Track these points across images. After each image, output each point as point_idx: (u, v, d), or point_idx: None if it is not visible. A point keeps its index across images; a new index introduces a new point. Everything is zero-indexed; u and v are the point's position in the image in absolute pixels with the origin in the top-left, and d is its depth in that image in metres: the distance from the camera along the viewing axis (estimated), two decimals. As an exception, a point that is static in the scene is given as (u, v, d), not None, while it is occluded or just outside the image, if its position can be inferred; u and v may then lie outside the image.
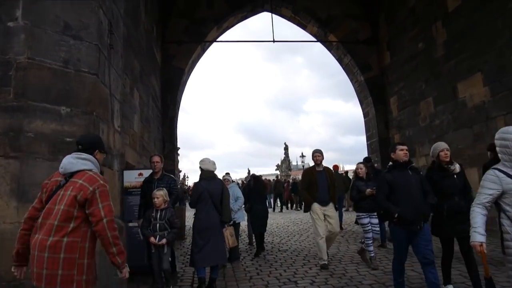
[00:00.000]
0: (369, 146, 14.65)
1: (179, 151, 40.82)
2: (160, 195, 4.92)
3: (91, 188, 2.54)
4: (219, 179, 5.63)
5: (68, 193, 2.53)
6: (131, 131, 7.48)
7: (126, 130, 6.93)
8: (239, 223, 7.20)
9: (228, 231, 5.55)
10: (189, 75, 14.08)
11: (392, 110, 13.30)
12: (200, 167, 5.28)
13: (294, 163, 62.19)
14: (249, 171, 45.90)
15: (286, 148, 43.08)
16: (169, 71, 12.85)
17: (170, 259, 5.08)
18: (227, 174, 10.43)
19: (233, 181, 7.63)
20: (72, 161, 2.68)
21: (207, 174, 5.25)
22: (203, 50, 14.16)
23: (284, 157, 42.41)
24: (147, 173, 6.03)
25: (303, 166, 39.33)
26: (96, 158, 2.80)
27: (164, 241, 4.88)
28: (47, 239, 2.42)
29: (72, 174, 2.62)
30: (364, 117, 14.87)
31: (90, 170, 2.68)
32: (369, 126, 14.46)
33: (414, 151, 11.35)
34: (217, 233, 5.12)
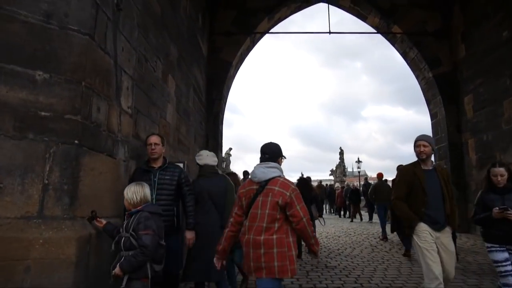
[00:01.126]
0: (436, 151, 12.89)
1: (231, 152, 40.51)
2: (132, 192, 3.05)
3: (288, 194, 2.97)
4: (223, 175, 4.59)
5: (269, 199, 2.97)
6: (162, 121, 6.70)
7: (155, 119, 6.14)
8: None
9: None
10: (237, 69, 13.25)
11: (466, 111, 11.51)
12: (197, 163, 4.31)
13: (349, 169, 60.30)
14: (302, 175, 44.45)
15: (341, 153, 41.14)
16: (215, 65, 12.10)
17: None
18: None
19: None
20: (264, 171, 3.10)
21: (206, 170, 4.24)
22: (253, 43, 13.27)
23: (339, 162, 40.44)
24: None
25: (358, 172, 37.25)
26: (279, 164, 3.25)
27: (116, 271, 2.87)
28: (260, 238, 2.91)
29: (266, 182, 3.05)
30: (432, 118, 13.14)
31: (279, 176, 3.11)
32: (437, 129, 12.73)
33: (494, 158, 9.59)
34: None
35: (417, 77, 13.36)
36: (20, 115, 2.71)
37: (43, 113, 2.77)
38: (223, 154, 37.91)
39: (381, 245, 9.24)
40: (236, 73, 13.29)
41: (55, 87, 2.86)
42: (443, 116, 12.24)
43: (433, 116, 13.05)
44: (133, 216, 2.98)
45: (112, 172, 3.52)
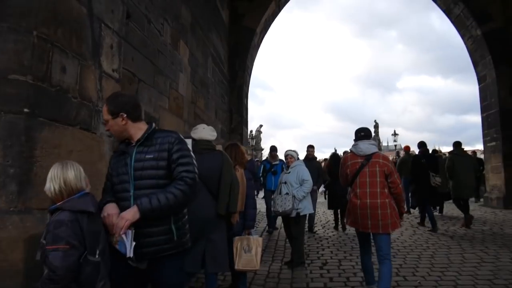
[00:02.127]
0: (484, 119, 11.59)
1: (262, 129, 39.69)
2: (49, 179, 1.95)
3: (390, 165, 3.84)
4: (219, 151, 3.70)
5: (377, 169, 3.75)
6: (174, 92, 6.00)
7: (163, 90, 5.45)
8: (305, 215, 5.34)
9: (249, 242, 3.73)
10: (262, 37, 12.31)
11: (521, 72, 10.13)
12: (192, 138, 3.53)
13: (385, 144, 58.36)
14: (335, 150, 43.36)
15: (376, 127, 39.60)
16: (238, 33, 11.21)
17: None
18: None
19: (298, 158, 5.75)
20: (368, 146, 3.87)
21: (199, 145, 3.48)
22: (279, 7, 12.22)
23: (374, 136, 38.84)
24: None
25: (395, 146, 35.63)
26: None
27: None
28: (377, 202, 3.68)
29: (370, 156, 3.81)
30: (479, 82, 11.77)
31: (377, 151, 3.96)
32: (486, 94, 11.37)
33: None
34: (214, 232, 3.36)
35: (462, 36, 11.92)
36: None
37: (-24, 73, 2.09)
38: (254, 132, 37.53)
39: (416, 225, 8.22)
40: (261, 42, 12.36)
41: (-5, 38, 2.16)
42: (493, 79, 10.87)
43: (481, 79, 11.67)
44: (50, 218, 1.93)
45: (90, 151, 2.84)
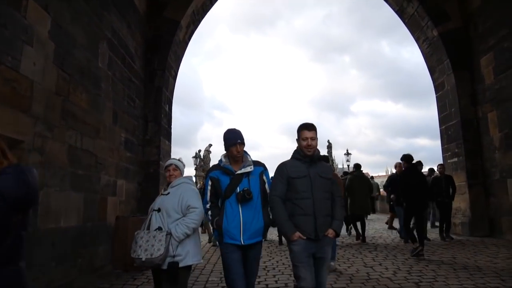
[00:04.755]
0: (443, 132, 10.21)
1: (211, 148, 37.55)
2: None
3: None
4: None
5: None
6: (6, 70, 3.85)
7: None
8: (187, 268, 3.16)
9: None
10: (191, 33, 10.37)
11: (484, 76, 8.83)
12: None
13: (340, 166, 58.86)
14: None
15: (329, 147, 38.57)
16: (158, 26, 9.23)
17: None
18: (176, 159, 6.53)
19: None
20: None
21: None
22: (211, 1, 10.40)
23: (327, 156, 37.79)
24: None
25: (348, 166, 34.58)
26: None
27: None
28: None
29: None
30: (436, 91, 10.45)
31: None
32: (445, 103, 10.03)
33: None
34: None
35: (417, 40, 10.64)
36: None
37: None
38: (202, 151, 35.24)
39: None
40: (189, 39, 10.41)
41: None
42: (452, 86, 9.56)
43: (438, 87, 10.36)
44: None
45: None
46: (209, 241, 9.18)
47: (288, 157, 3.31)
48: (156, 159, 8.66)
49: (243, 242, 3.06)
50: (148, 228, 3.11)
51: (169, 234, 3.01)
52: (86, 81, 5.76)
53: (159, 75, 9.09)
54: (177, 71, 10.27)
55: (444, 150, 10.17)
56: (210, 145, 36.47)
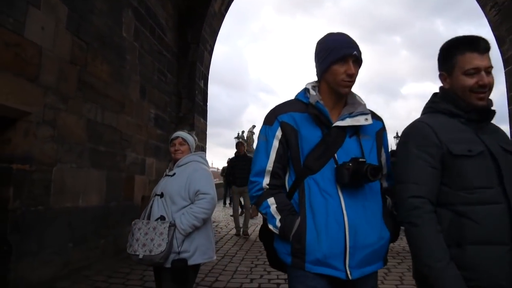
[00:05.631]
0: None
1: (254, 130, 37.32)
2: None
3: None
4: None
5: None
6: (6, 33, 3.47)
7: None
8: (196, 266, 2.58)
9: None
10: (227, 4, 9.73)
11: None
12: None
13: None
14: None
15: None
16: (191, -3, 8.69)
17: None
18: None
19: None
20: None
21: None
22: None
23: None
24: None
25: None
26: None
27: None
28: None
29: None
30: (505, 65, 9.13)
31: None
32: (515, 78, 8.75)
33: None
34: None
35: (483, 7, 9.31)
36: None
37: None
38: (245, 132, 34.94)
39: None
40: (226, 11, 9.78)
41: None
42: (525, 58, 8.27)
43: (508, 61, 9.02)
44: None
45: None
46: (237, 233, 7.68)
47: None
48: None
49: (350, 275, 1.44)
50: (149, 218, 2.58)
51: (173, 225, 2.45)
52: (107, 51, 5.35)
53: (193, 49, 8.59)
54: (213, 46, 9.72)
55: None
56: (254, 126, 36.05)
